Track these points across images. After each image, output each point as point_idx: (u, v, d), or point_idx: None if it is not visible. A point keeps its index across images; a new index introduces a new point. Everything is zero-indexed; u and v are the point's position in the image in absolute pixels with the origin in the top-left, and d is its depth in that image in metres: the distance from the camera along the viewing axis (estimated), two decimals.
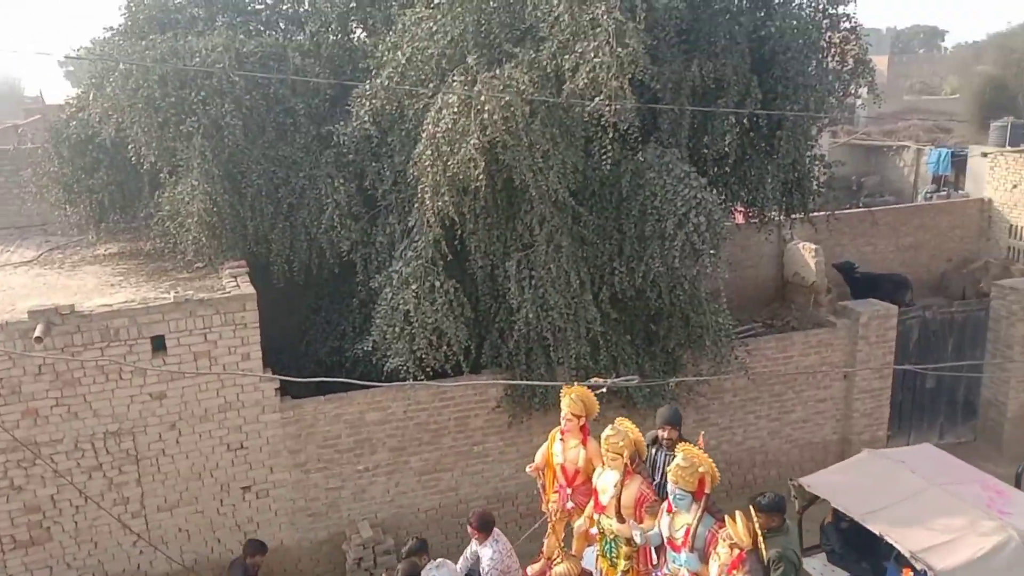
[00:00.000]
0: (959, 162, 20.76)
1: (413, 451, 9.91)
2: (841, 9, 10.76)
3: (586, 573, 7.04)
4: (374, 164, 10.10)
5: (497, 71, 8.80)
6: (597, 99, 8.58)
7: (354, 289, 10.23)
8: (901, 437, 12.26)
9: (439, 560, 7.14)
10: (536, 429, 10.20)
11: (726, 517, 5.73)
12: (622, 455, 6.44)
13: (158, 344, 8.54)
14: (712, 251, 8.85)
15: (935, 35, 71.87)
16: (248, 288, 8.98)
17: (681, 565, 6.02)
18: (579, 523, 6.91)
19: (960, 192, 19.77)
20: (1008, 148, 18.39)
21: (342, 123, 9.88)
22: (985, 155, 17.97)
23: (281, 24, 11.59)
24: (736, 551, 5.55)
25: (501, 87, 8.54)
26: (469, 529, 7.15)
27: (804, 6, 10.69)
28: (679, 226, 8.73)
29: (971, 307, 12.87)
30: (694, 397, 10.58)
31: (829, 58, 10.94)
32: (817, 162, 11.44)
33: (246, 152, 9.91)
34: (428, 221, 9.12)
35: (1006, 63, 30.72)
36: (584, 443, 6.92)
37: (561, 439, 7.05)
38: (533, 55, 9.17)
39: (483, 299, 9.89)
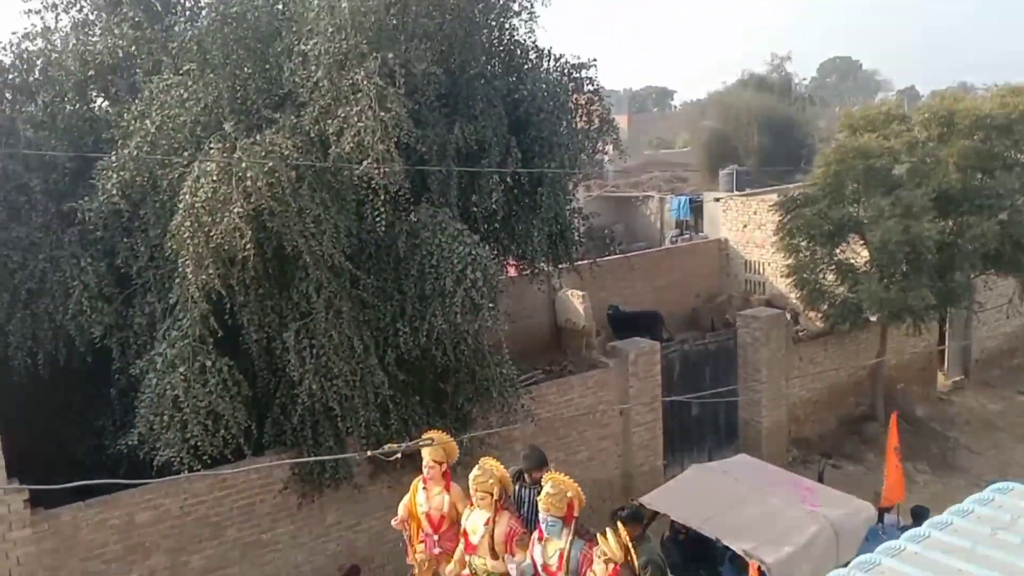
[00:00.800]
0: (697, 208, 23.04)
1: (194, 549, 9.07)
2: (584, 73, 11.65)
3: None
4: (126, 240, 9.38)
5: (257, 137, 8.56)
6: (365, 162, 8.60)
7: (111, 378, 9.35)
8: (676, 464, 13.08)
9: None
10: (330, 506, 9.78)
11: (598, 535, 6.06)
12: (491, 493, 6.55)
13: None
14: (491, 304, 9.06)
15: (666, 95, 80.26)
16: None
17: None
18: (449, 568, 6.87)
19: (700, 234, 21.89)
20: (736, 193, 20.71)
21: (86, 198, 9.10)
22: (717, 200, 20.12)
23: (8, 95, 10.52)
24: (611, 565, 5.92)
25: (263, 153, 8.30)
26: None
27: (551, 71, 11.44)
28: (458, 283, 8.86)
29: (721, 337, 14.17)
30: (486, 450, 10.62)
31: (578, 118, 11.76)
32: (576, 215, 12.17)
33: None
34: (192, 297, 8.57)
35: (726, 118, 34.77)
36: (447, 489, 6.98)
37: (424, 488, 7.04)
38: (295, 120, 9.03)
39: (261, 375, 9.41)
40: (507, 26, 11.19)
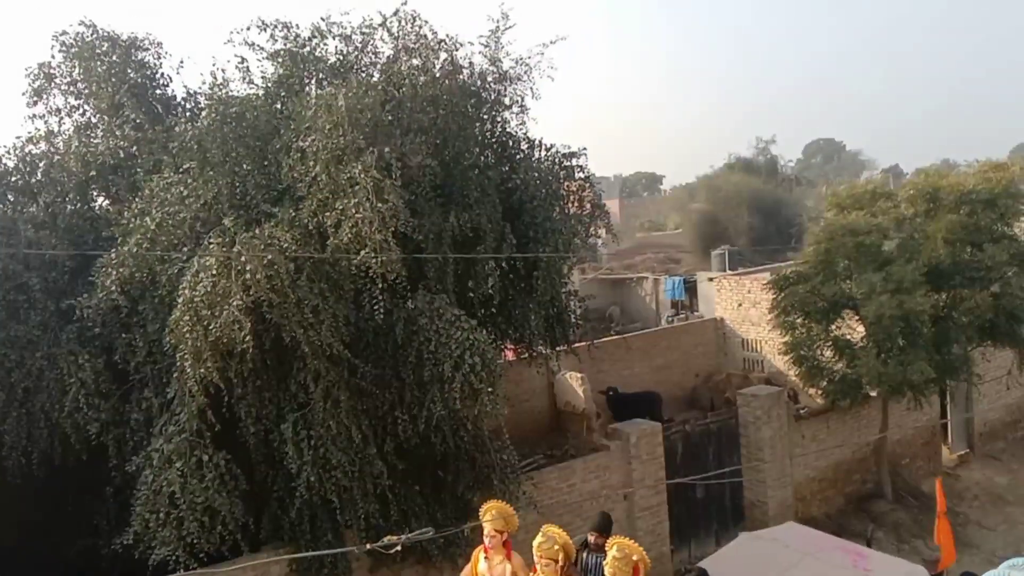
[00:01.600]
0: (691, 288, 23.23)
1: None
2: (575, 161, 11.94)
3: None
4: (124, 336, 9.40)
5: (256, 231, 8.69)
6: (363, 252, 8.71)
7: (107, 476, 9.21)
8: (683, 549, 12.81)
9: None
10: None
11: None
12: (556, 560, 6.69)
13: None
14: (490, 389, 9.03)
15: (655, 180, 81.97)
16: None
17: None
18: None
19: (696, 314, 22.00)
20: (729, 272, 20.93)
21: (85, 295, 9.16)
22: (711, 280, 20.30)
23: (10, 196, 10.73)
24: None
25: (262, 246, 8.41)
26: None
27: (543, 160, 11.74)
28: (456, 368, 8.86)
29: (722, 417, 14.06)
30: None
31: (570, 204, 12.00)
32: (572, 297, 12.27)
33: None
34: (190, 391, 8.52)
35: (715, 200, 35.47)
36: (509, 557, 7.17)
37: (485, 558, 7.24)
38: (293, 214, 9.19)
39: (258, 468, 9.29)
40: (499, 119, 11.54)
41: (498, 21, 11.10)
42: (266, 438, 9.14)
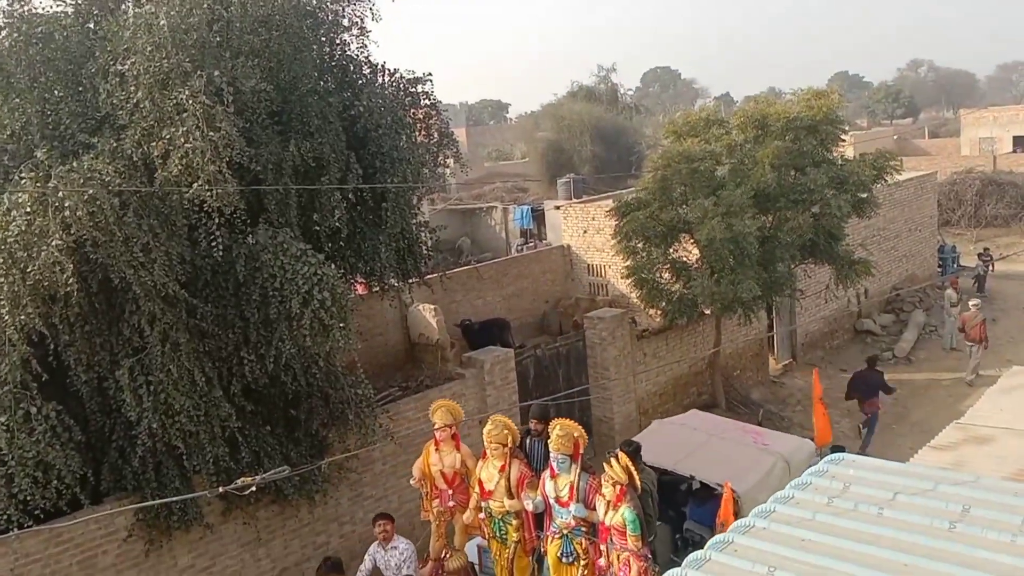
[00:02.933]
0: (539, 216, 23.62)
1: None
2: (420, 88, 11.65)
3: (469, 563, 8.23)
4: None
5: (74, 163, 8.01)
6: (195, 185, 8.23)
7: None
8: None
9: None
10: (181, 550, 9.23)
11: (604, 463, 7.05)
12: (505, 444, 7.53)
13: None
14: (342, 324, 8.86)
15: (501, 108, 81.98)
16: None
17: (570, 515, 7.29)
18: (466, 515, 7.97)
19: (544, 242, 22.45)
20: (574, 200, 21.39)
21: None
22: (558, 208, 20.70)
23: None
24: (618, 487, 6.91)
25: (81, 180, 7.77)
26: (383, 526, 8.02)
27: (387, 86, 11.38)
28: (305, 304, 8.61)
29: (571, 339, 14.55)
30: (346, 475, 10.42)
31: (417, 132, 11.75)
32: (423, 228, 12.15)
33: None
34: (10, 339, 7.88)
35: (559, 128, 35.90)
36: (458, 448, 8.10)
37: (436, 450, 8.09)
38: (115, 144, 8.53)
39: (93, 418, 8.76)
40: (338, 42, 11.05)
41: None
42: (100, 386, 8.62)
